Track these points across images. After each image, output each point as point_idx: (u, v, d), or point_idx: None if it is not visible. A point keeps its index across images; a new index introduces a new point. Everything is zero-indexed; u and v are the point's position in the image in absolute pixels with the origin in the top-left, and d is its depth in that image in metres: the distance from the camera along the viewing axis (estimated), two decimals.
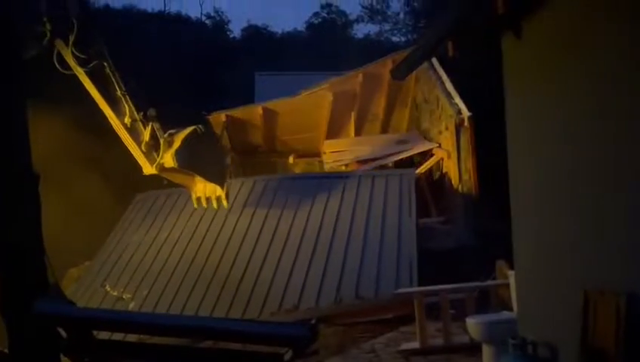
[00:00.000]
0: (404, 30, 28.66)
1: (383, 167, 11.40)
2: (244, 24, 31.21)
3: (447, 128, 10.89)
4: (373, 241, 8.18)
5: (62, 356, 4.07)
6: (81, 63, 6.02)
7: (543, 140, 4.18)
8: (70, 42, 5.82)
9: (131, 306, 7.67)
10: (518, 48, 4.38)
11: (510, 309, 5.75)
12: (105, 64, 6.21)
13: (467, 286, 6.33)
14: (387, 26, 29.87)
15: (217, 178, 7.75)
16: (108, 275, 8.33)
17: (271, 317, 6.98)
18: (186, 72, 22.81)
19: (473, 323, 5.04)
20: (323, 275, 7.60)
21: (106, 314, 4.20)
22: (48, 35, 5.72)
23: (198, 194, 7.89)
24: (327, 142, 12.97)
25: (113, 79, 6.32)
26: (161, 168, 6.93)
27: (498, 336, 4.67)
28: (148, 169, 6.89)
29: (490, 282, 6.73)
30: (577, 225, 3.78)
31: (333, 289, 7.37)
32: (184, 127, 7.42)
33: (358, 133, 13.40)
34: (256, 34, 30.30)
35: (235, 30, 31.66)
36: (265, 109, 12.76)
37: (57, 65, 5.91)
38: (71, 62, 5.93)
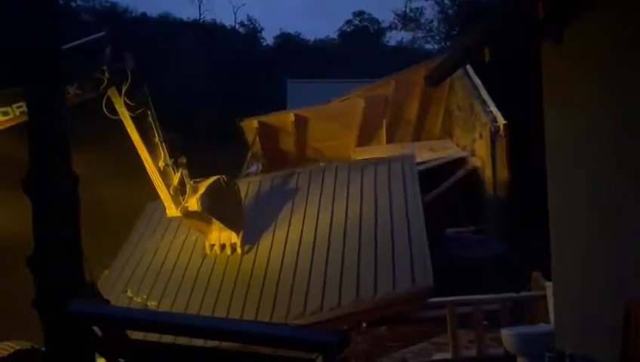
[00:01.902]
0: (437, 38, 28.47)
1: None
2: (277, 32, 31.52)
3: (481, 136, 10.75)
4: (384, 235, 8.07)
5: (97, 355, 4.15)
6: (129, 110, 6.65)
7: (585, 151, 4.07)
8: (123, 91, 6.46)
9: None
10: (558, 56, 4.29)
11: (546, 322, 5.62)
12: (148, 112, 6.79)
13: (501, 297, 6.20)
14: (420, 34, 29.72)
15: (235, 225, 8.22)
16: (128, 282, 8.29)
17: (298, 319, 7.02)
18: (219, 79, 23.23)
19: (508, 335, 4.94)
20: (341, 274, 7.59)
21: (140, 314, 4.26)
22: (105, 82, 6.29)
23: (213, 242, 8.35)
24: (359, 149, 12.94)
25: (154, 126, 6.88)
26: (186, 211, 7.45)
27: (534, 349, 4.57)
28: (173, 211, 7.41)
29: (525, 293, 6.59)
30: (619, 236, 3.67)
31: (352, 288, 7.37)
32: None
33: (389, 140, 13.34)
34: (288, 42, 30.60)
35: (268, 38, 32.02)
36: (297, 116, 12.83)
37: (105, 110, 6.53)
38: (120, 108, 6.55)
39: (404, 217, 8.35)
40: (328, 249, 8.05)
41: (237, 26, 32.07)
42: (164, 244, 8.91)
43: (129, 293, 7.98)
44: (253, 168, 12.56)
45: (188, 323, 3.81)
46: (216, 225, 8.16)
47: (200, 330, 3.81)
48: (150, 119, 6.87)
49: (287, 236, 8.49)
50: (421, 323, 7.21)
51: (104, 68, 6.39)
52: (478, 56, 4.52)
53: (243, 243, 8.34)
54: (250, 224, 8.90)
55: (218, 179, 7.87)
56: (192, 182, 7.52)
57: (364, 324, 7.22)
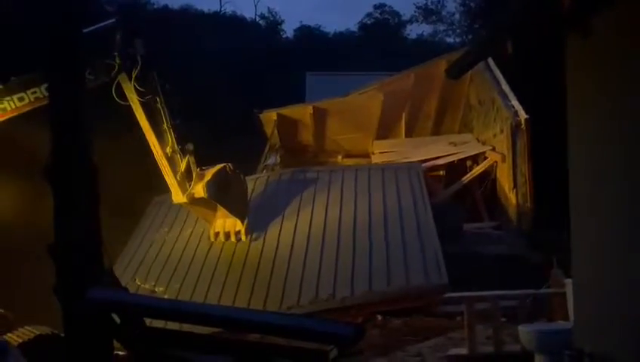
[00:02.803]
0: (458, 31, 28.11)
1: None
2: (297, 25, 31.45)
3: (502, 131, 10.60)
4: (395, 232, 8.23)
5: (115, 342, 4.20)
6: (138, 95, 6.76)
7: (611, 149, 3.96)
8: (133, 77, 6.57)
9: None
10: (584, 48, 4.17)
11: (565, 319, 5.53)
12: (157, 99, 6.88)
13: (520, 294, 6.12)
14: (442, 27, 29.35)
15: (240, 213, 8.30)
16: (136, 271, 8.48)
17: (309, 307, 7.11)
18: (239, 72, 23.24)
19: (526, 332, 4.87)
20: (353, 266, 7.68)
21: (160, 303, 4.30)
22: (117, 68, 6.41)
23: (217, 230, 8.45)
24: (377, 142, 12.88)
25: (162, 113, 6.96)
26: (191, 197, 7.55)
27: (552, 346, 4.50)
28: (179, 197, 7.50)
29: (544, 290, 6.49)
30: None
31: (365, 278, 7.42)
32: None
33: (408, 134, 13.24)
34: (308, 35, 30.49)
35: (288, 31, 31.96)
36: (315, 108, 12.80)
37: (114, 96, 6.60)
38: (130, 93, 6.64)
39: (413, 216, 8.45)
40: (338, 242, 8.21)
41: (257, 19, 32.07)
42: (172, 236, 9.08)
43: (137, 281, 8.12)
44: (272, 160, 12.59)
45: (207, 313, 3.84)
46: (221, 212, 8.24)
47: (218, 320, 3.84)
48: (159, 105, 6.94)
49: (295, 228, 8.64)
50: (437, 318, 7.16)
51: (115, 54, 6.47)
52: (500, 49, 4.43)
53: (248, 230, 8.44)
54: (262, 215, 9.09)
55: (224, 167, 7.93)
56: (198, 169, 7.58)
57: (379, 317, 7.22)
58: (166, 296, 7.88)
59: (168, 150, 7.14)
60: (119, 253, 9.01)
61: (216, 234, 8.48)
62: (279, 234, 8.61)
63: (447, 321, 6.90)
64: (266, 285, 7.67)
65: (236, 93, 21.65)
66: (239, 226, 8.36)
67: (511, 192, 10.25)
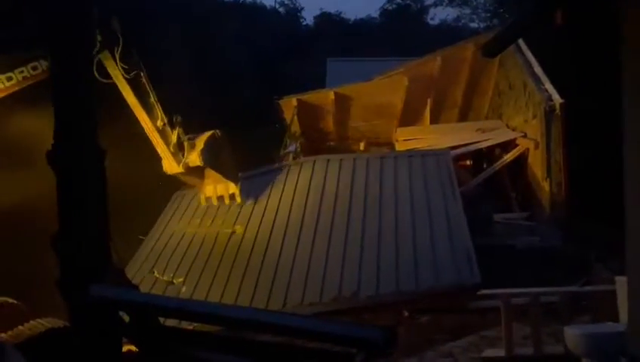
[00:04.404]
0: (483, 15, 27.26)
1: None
2: (317, 12, 30.95)
3: (534, 116, 10.05)
4: (422, 227, 7.87)
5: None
6: (125, 71, 6.78)
7: None
8: (118, 55, 6.57)
9: (183, 290, 7.70)
10: None
11: (612, 320, 5.07)
12: (141, 74, 6.90)
13: (560, 291, 5.67)
14: (467, 10, 28.49)
15: (233, 176, 8.55)
16: (156, 262, 8.45)
17: (332, 304, 6.84)
18: (260, 60, 22.91)
19: (573, 334, 4.43)
20: (378, 263, 7.38)
21: (167, 302, 3.98)
22: (98, 45, 6.32)
23: (208, 195, 8.72)
24: (401, 129, 12.42)
25: (148, 88, 7.01)
26: (187, 167, 7.74)
27: (603, 351, 4.06)
28: (174, 168, 7.66)
29: (589, 288, 6.02)
30: None
31: (392, 277, 7.10)
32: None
33: (434, 120, 12.75)
34: (329, 21, 30.00)
35: (308, 18, 31.51)
36: (337, 94, 12.37)
37: (96, 74, 6.58)
38: (113, 71, 6.67)
39: (442, 208, 8.06)
40: (362, 236, 7.85)
41: (277, 6, 31.63)
42: (192, 229, 9.01)
43: (156, 274, 8.06)
44: (292, 147, 12.24)
45: (219, 314, 3.49)
46: (211, 178, 8.48)
47: (235, 321, 3.51)
48: (144, 80, 6.96)
49: (317, 220, 8.37)
50: (469, 314, 6.76)
51: (97, 32, 6.30)
52: (548, 20, 3.95)
53: (241, 192, 8.64)
54: (283, 206, 8.91)
55: (213, 133, 8.11)
56: (187, 138, 7.73)
57: (406, 313, 6.84)
58: (184, 288, 7.79)
59: (159, 123, 7.23)
60: (138, 247, 8.98)
61: (208, 199, 8.72)
62: (300, 227, 8.31)
63: (479, 318, 6.49)
64: (287, 280, 7.38)
65: (257, 82, 21.37)
66: (233, 189, 8.58)
67: (544, 181, 9.73)
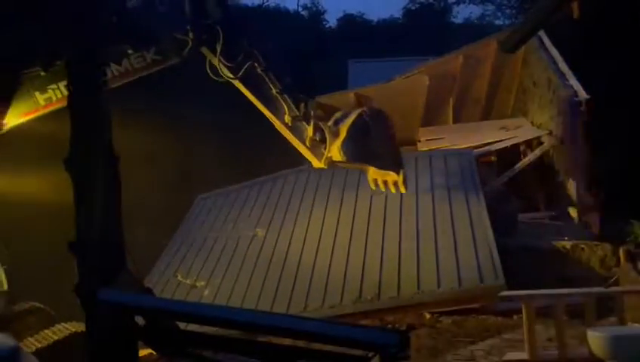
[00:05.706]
0: (508, 12, 26.83)
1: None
2: (340, 14, 30.94)
3: (559, 113, 9.81)
4: (445, 228, 7.68)
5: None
6: (232, 70, 5.94)
7: None
8: (218, 51, 5.72)
9: (205, 293, 7.71)
10: None
11: (638, 321, 4.91)
12: (256, 64, 6.05)
13: (586, 292, 5.51)
14: (491, 8, 28.09)
15: (391, 165, 6.87)
16: (179, 266, 8.49)
17: (353, 307, 6.78)
18: (283, 64, 23.01)
19: (599, 337, 4.29)
20: (399, 264, 7.25)
21: (174, 306, 4.00)
22: (190, 44, 5.65)
23: (374, 177, 7.01)
24: (423, 129, 12.27)
25: (266, 79, 6.12)
26: (330, 162, 6.57)
27: (631, 354, 3.92)
28: (317, 163, 6.58)
29: (616, 289, 5.84)
30: None
31: (413, 279, 6.98)
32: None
33: (456, 119, 12.56)
34: (351, 23, 29.95)
35: (331, 20, 31.54)
36: (357, 95, 12.30)
37: (210, 74, 5.85)
38: (222, 70, 5.88)
39: (465, 208, 7.93)
40: (383, 237, 7.77)
41: (300, 9, 31.76)
42: (214, 233, 9.04)
43: (179, 278, 8.11)
44: None
45: (233, 319, 3.50)
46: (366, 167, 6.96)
47: (248, 325, 3.52)
48: (259, 71, 6.07)
49: (337, 222, 8.35)
50: (491, 316, 6.63)
51: (188, 28, 5.65)
52: (565, 12, 3.86)
53: (406, 181, 6.98)
54: (303, 209, 8.84)
55: (360, 115, 6.58)
56: (330, 123, 6.43)
57: (427, 315, 6.74)
58: (206, 291, 7.83)
59: (287, 118, 6.21)
60: (162, 251, 9.07)
61: (375, 181, 7.06)
62: (321, 230, 8.29)
63: (502, 320, 6.37)
64: (308, 283, 7.37)
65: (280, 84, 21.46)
66: (394, 177, 6.88)
67: (569, 179, 9.49)
